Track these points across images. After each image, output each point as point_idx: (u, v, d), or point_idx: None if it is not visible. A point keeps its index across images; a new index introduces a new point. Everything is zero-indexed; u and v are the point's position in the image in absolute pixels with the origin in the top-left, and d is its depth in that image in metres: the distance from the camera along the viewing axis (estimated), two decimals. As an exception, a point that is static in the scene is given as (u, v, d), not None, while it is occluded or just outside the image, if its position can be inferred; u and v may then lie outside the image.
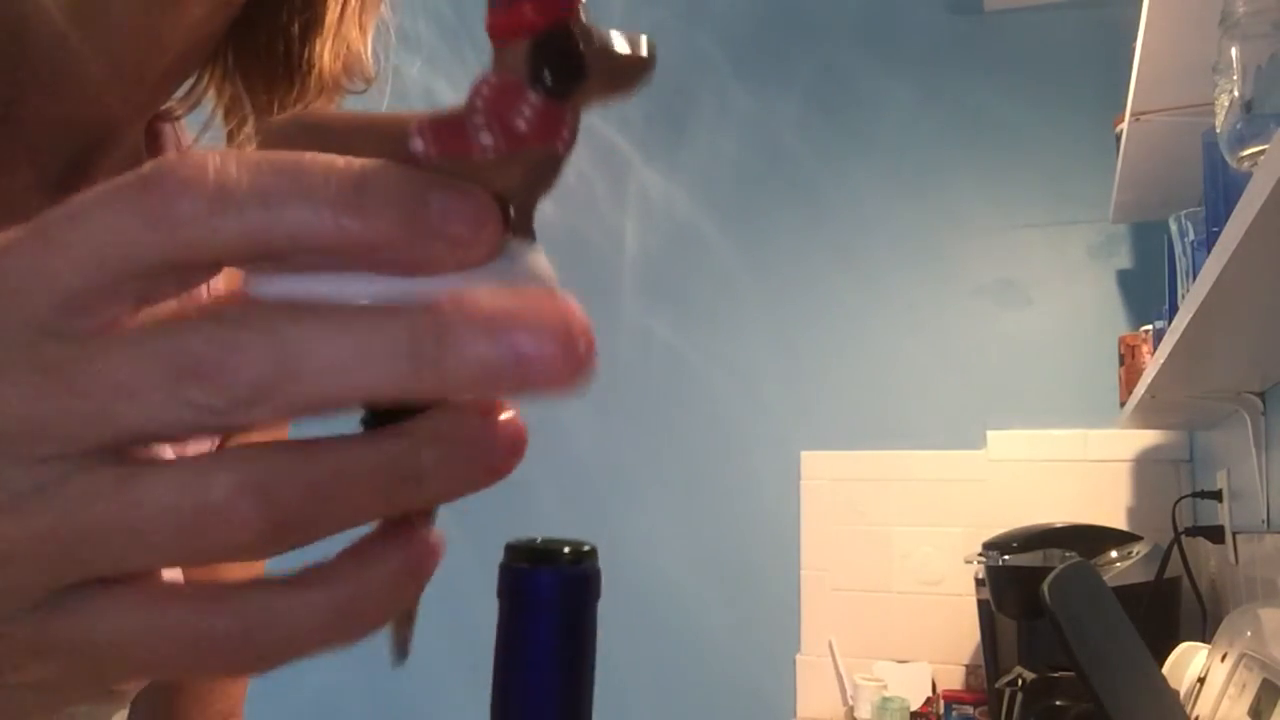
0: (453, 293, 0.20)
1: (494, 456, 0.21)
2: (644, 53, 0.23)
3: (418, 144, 0.21)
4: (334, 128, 0.22)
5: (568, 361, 0.19)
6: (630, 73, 0.23)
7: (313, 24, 0.45)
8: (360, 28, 0.47)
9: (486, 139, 0.21)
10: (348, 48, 0.46)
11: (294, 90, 0.46)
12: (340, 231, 0.19)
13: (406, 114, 0.22)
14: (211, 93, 0.47)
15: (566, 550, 0.29)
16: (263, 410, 0.18)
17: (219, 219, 0.18)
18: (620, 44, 0.23)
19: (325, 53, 0.46)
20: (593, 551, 0.30)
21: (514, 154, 0.22)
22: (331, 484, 0.19)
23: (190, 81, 0.46)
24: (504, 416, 0.21)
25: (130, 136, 0.43)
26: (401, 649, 0.25)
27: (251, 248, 0.18)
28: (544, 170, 0.22)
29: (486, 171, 0.22)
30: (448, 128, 0.21)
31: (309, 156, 0.19)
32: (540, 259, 0.23)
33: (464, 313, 0.19)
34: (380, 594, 0.20)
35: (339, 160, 0.19)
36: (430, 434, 0.20)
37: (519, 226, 0.22)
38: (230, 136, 0.47)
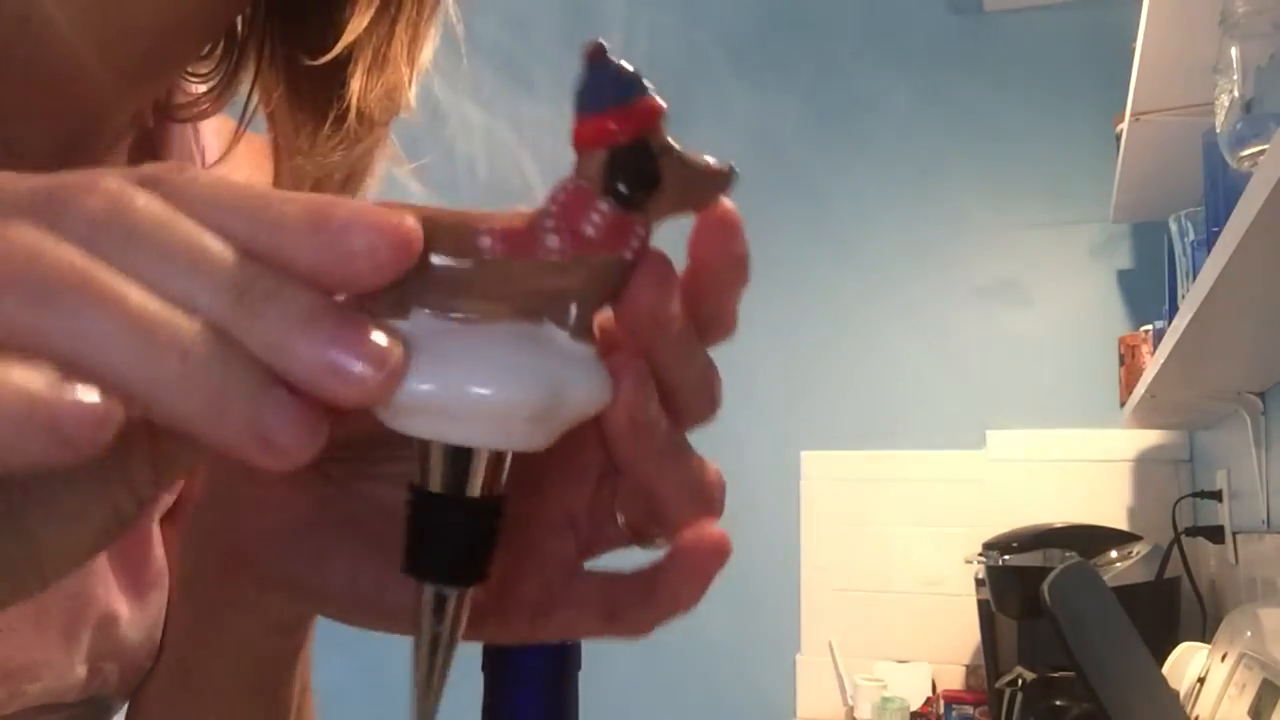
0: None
1: (349, 353, 0.19)
2: (721, 169, 0.24)
3: (485, 241, 0.22)
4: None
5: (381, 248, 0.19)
6: (705, 188, 0.24)
7: (354, 51, 0.42)
8: (408, 58, 0.44)
9: (553, 241, 0.22)
10: (390, 78, 0.44)
11: (329, 116, 0.43)
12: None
13: (478, 213, 0.23)
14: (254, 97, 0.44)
15: None
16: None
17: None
18: (697, 160, 0.24)
19: (360, 77, 0.43)
20: None
21: (579, 258, 0.23)
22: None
23: (214, 81, 0.44)
24: (380, 339, 0.20)
25: (114, 126, 0.41)
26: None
27: None
28: (608, 275, 0.23)
29: (550, 273, 0.22)
30: (517, 231, 0.22)
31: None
32: (586, 355, 0.23)
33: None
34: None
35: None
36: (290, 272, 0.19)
37: (577, 327, 0.23)
38: (276, 151, 0.45)
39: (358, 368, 0.19)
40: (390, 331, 0.20)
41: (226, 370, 0.19)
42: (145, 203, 0.19)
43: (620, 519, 0.29)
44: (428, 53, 0.45)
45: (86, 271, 0.18)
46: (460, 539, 0.24)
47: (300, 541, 0.29)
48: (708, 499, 0.28)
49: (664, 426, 0.26)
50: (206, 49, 0.44)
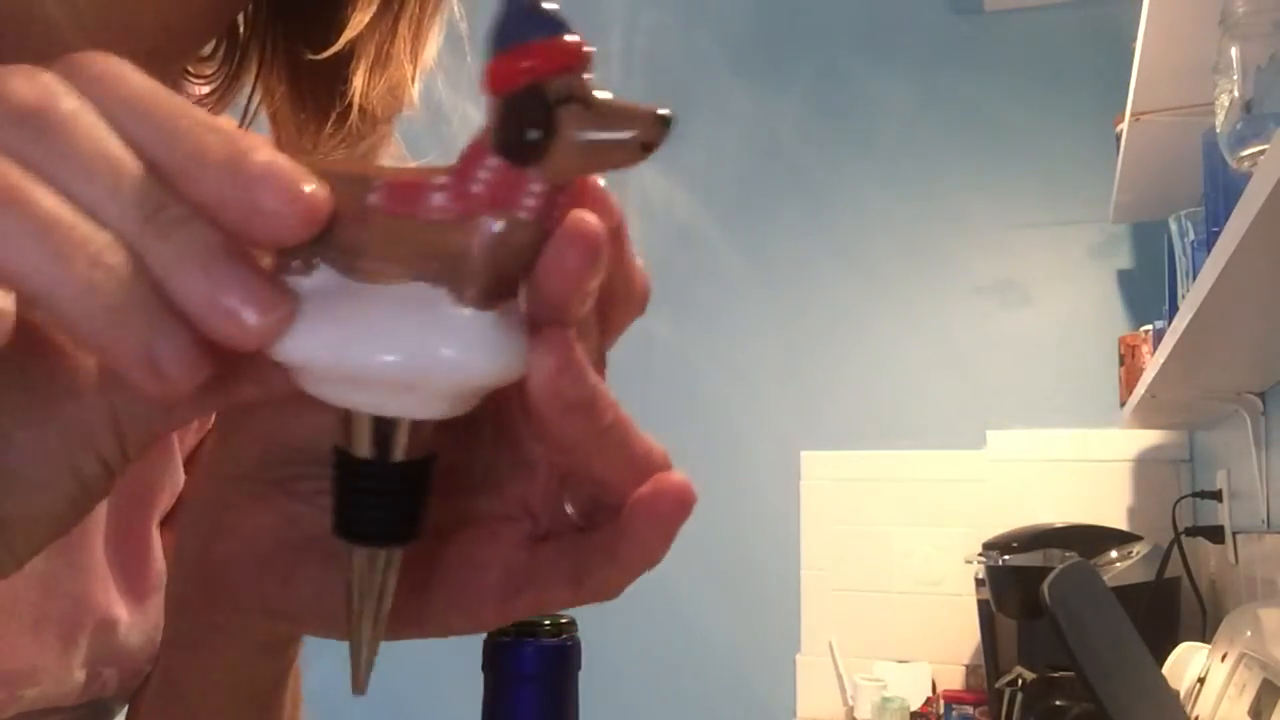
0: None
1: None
2: (642, 115, 0.21)
3: (372, 198, 0.21)
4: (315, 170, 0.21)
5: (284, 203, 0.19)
6: (620, 142, 0.21)
7: (359, 49, 0.42)
8: (411, 55, 0.44)
9: (439, 199, 0.21)
10: (393, 75, 0.43)
11: (331, 114, 0.43)
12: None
13: (385, 169, 0.22)
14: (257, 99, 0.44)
15: (547, 623, 0.30)
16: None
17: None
18: (612, 110, 0.21)
19: (363, 74, 0.42)
20: (572, 623, 0.31)
21: (465, 217, 0.21)
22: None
23: (217, 82, 0.44)
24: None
25: None
26: (357, 679, 0.26)
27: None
28: (506, 236, 0.21)
29: (437, 232, 0.21)
30: (407, 186, 0.21)
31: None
32: (481, 322, 0.22)
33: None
34: None
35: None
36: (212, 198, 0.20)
37: (473, 292, 0.21)
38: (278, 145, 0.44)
39: (242, 310, 0.19)
40: (282, 284, 0.21)
41: (129, 287, 0.19)
42: (72, 107, 0.19)
43: (569, 509, 0.29)
44: (431, 49, 0.45)
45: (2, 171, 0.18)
46: (383, 501, 0.24)
47: (270, 562, 0.29)
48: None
49: (603, 405, 0.25)
50: (209, 49, 0.44)
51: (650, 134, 0.21)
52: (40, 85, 0.19)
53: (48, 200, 0.18)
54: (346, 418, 0.23)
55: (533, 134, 0.21)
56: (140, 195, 0.19)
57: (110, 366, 0.19)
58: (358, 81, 0.43)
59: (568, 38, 0.21)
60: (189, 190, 0.20)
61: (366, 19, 0.41)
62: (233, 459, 0.29)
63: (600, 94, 0.21)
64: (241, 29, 0.44)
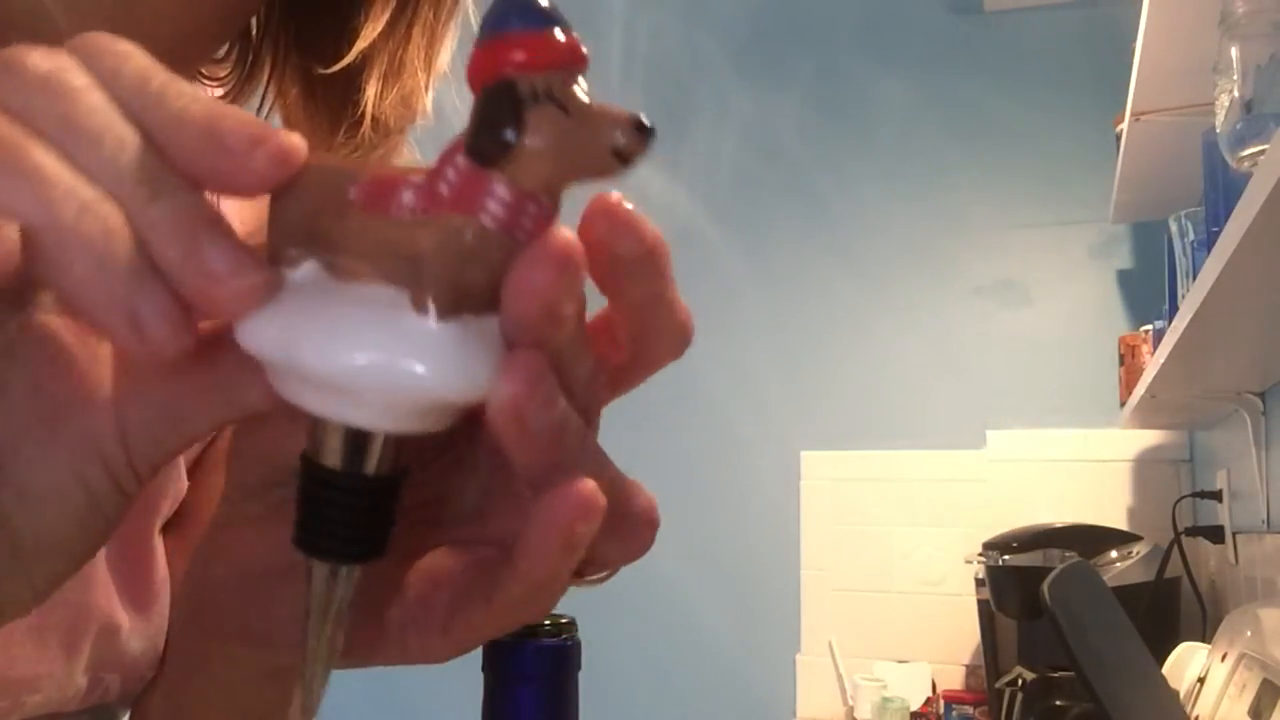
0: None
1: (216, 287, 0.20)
2: (622, 120, 0.19)
3: (351, 192, 0.21)
4: (314, 164, 0.21)
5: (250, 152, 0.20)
6: (595, 149, 0.19)
7: (371, 57, 0.41)
8: (425, 64, 0.42)
9: (406, 198, 0.20)
10: (406, 84, 0.42)
11: (343, 123, 0.42)
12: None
13: (379, 165, 0.22)
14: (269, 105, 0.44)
15: (547, 623, 0.30)
16: None
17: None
18: (592, 114, 0.19)
19: (375, 84, 0.41)
20: (572, 623, 0.31)
21: (426, 218, 0.20)
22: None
23: (230, 85, 0.43)
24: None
25: None
26: (307, 706, 0.25)
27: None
28: (466, 241, 0.20)
29: (400, 232, 0.20)
30: (382, 182, 0.21)
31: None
32: (438, 335, 0.20)
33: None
34: None
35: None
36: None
37: (434, 300, 0.20)
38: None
39: (217, 271, 0.20)
40: (262, 262, 0.21)
41: (114, 240, 0.19)
42: (82, 82, 0.20)
43: None
44: (445, 57, 0.44)
45: (10, 133, 0.19)
46: (346, 516, 0.23)
47: (255, 588, 0.28)
48: (633, 529, 0.24)
49: (572, 435, 0.22)
50: (221, 52, 0.43)
51: (628, 143, 0.19)
52: (55, 60, 0.20)
53: (47, 157, 0.20)
54: (314, 423, 0.22)
55: (499, 134, 0.19)
56: (134, 163, 0.20)
57: (95, 323, 0.20)
58: (370, 90, 0.42)
59: (558, 33, 0.19)
60: (175, 154, 0.20)
61: (378, 29, 0.41)
62: (236, 480, 0.28)
63: (583, 98, 0.19)
64: (255, 32, 0.44)
